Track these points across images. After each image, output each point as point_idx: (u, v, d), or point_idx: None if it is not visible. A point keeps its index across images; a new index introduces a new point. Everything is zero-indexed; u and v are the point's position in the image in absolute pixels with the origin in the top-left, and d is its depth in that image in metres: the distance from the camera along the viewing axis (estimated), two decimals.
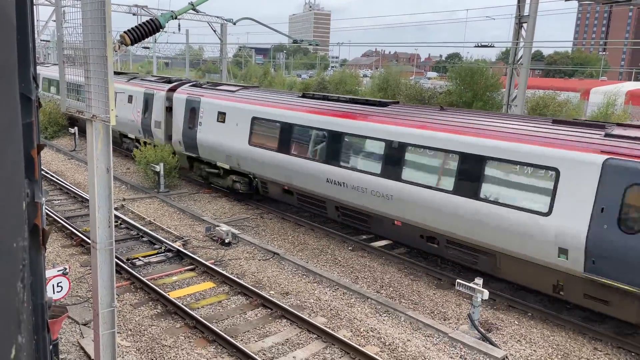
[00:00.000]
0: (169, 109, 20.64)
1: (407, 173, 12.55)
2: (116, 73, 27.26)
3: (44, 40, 54.76)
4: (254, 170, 16.93)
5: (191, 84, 21.18)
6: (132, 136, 23.60)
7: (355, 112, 14.22)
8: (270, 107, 16.35)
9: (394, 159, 12.79)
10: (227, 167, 17.98)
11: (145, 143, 21.38)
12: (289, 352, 9.23)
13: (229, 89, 19.06)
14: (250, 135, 16.68)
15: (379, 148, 13.20)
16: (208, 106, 18.44)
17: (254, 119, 16.66)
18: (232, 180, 18.08)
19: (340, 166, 13.90)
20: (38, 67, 27.92)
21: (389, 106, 14.42)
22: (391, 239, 14.42)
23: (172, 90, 20.75)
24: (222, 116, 17.84)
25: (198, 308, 10.70)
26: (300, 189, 15.40)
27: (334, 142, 14.21)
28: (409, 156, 12.58)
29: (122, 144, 25.48)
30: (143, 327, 9.86)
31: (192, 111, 19.10)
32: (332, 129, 14.30)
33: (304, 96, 17.04)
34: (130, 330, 9.74)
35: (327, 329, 9.76)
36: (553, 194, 10.07)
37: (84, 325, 9.79)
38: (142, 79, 24.33)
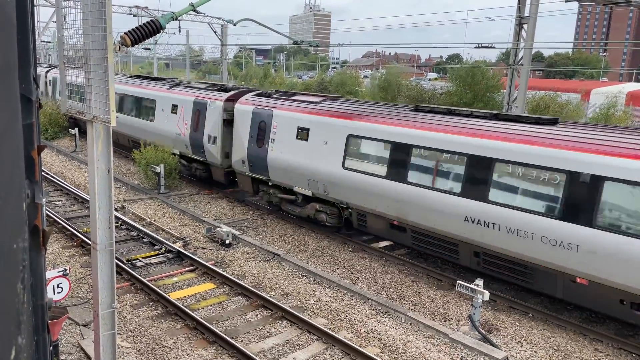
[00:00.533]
0: (227, 122, 17.94)
1: (606, 218, 9.48)
2: (153, 78, 25.80)
3: (44, 41, 54.83)
4: (348, 199, 14.07)
5: (255, 92, 18.30)
6: (176, 151, 20.51)
7: (510, 132, 11.20)
8: (375, 123, 13.48)
9: (582, 197, 9.78)
10: (308, 193, 15.21)
11: (188, 159, 19.95)
12: (289, 354, 9.22)
13: (309, 99, 16.19)
14: (345, 156, 13.83)
15: (556, 182, 10.20)
16: (284, 120, 15.69)
17: (350, 137, 13.80)
18: (314, 210, 15.22)
19: (489, 202, 11.02)
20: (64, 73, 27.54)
21: (557, 125, 11.43)
22: (569, 300, 10.79)
23: (232, 99, 18.11)
24: (303, 133, 15.00)
25: (198, 309, 10.70)
26: (419, 225, 12.52)
27: (478, 170, 11.30)
28: (610, 195, 9.44)
29: None
30: (143, 328, 9.86)
31: (261, 126, 16.34)
32: (475, 153, 11.36)
33: (417, 110, 13.82)
34: (131, 331, 9.74)
35: (328, 330, 9.75)
36: None
37: (84, 326, 9.78)
38: (189, 86, 21.28)
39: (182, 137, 19.90)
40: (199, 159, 19.48)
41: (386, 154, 13.06)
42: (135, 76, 27.58)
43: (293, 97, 16.64)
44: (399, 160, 12.76)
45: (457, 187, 11.60)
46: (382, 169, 13.08)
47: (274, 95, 17.24)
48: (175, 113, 20.33)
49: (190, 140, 19.51)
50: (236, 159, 17.46)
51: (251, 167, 16.88)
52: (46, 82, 33.50)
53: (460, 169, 11.65)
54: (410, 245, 13.48)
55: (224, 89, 19.42)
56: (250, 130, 16.73)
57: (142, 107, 22.90)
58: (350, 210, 14.37)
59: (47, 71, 34.10)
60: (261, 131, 16.37)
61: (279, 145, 15.74)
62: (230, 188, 19.77)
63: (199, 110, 19.04)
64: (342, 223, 14.93)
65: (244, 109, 17.21)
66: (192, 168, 20.32)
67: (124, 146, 25.28)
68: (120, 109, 23.69)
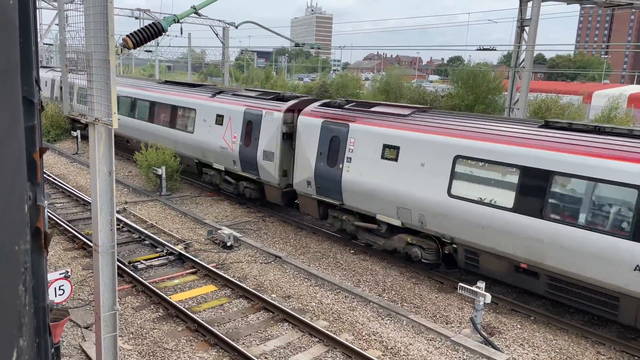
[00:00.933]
0: (286, 136, 15.91)
1: None
2: (189, 85, 23.26)
3: (46, 44, 54.99)
4: (454, 233, 11.76)
5: (322, 102, 15.93)
6: (220, 167, 18.43)
7: None
8: (495, 142, 11.19)
9: None
10: (396, 223, 12.95)
11: (235, 176, 17.75)
12: (290, 356, 9.21)
13: (395, 111, 13.80)
14: (452, 181, 11.61)
15: None
16: (364, 136, 13.49)
17: (459, 158, 11.53)
18: (404, 243, 13.04)
19: None
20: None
21: None
22: None
23: (292, 110, 16.03)
24: (392, 151, 12.82)
25: (200, 311, 10.69)
26: (561, 272, 10.23)
27: None
28: None
29: (201, 175, 20.29)
30: (145, 330, 9.86)
31: (333, 142, 14.19)
32: None
33: (548, 126, 11.43)
34: (132, 333, 9.74)
35: (329, 333, 9.74)
36: None
37: (86, 328, 9.78)
38: (236, 94, 18.86)
39: (229, 152, 17.63)
40: (250, 177, 17.21)
41: (514, 180, 10.78)
42: (167, 82, 24.96)
43: (372, 109, 14.25)
44: (535, 189, 10.45)
45: (626, 226, 9.31)
46: (508, 199, 10.78)
47: (348, 106, 14.84)
48: (221, 124, 18.04)
49: (239, 155, 17.26)
50: (299, 179, 15.20)
51: (319, 189, 14.60)
52: (61, 88, 31.45)
53: (630, 204, 9.29)
54: (542, 294, 11.03)
55: (281, 98, 17.15)
56: (319, 147, 14.50)
57: (177, 117, 20.60)
58: (455, 246, 11.95)
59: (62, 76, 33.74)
60: (333, 148, 14.16)
61: (358, 165, 13.52)
62: (288, 210, 17.63)
63: (252, 122, 16.80)
64: (440, 259, 12.63)
65: (310, 121, 14.89)
66: (240, 187, 18.07)
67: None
68: (150, 119, 22.27)
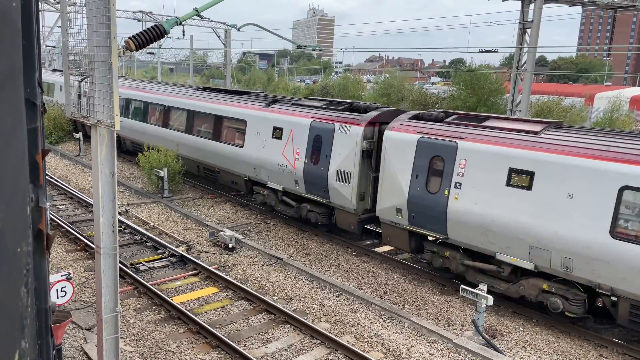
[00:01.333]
0: (366, 154, 13.78)
1: None
2: (234, 92, 20.69)
3: (49, 46, 55.13)
4: (617, 283, 9.52)
5: (412, 114, 13.49)
6: (278, 187, 16.22)
7: None
8: None
9: None
10: (527, 266, 10.74)
11: (297, 197, 15.71)
12: (292, 358, 9.21)
13: (519, 126, 11.52)
14: (617, 219, 9.46)
15: None
16: (480, 157, 11.33)
17: (628, 190, 9.37)
18: (538, 290, 10.81)
19: None
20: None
21: None
22: None
23: (373, 123, 13.84)
24: (521, 177, 10.72)
25: (201, 313, 10.70)
26: None
27: None
28: None
29: (251, 194, 17.97)
30: (146, 332, 9.86)
31: (435, 163, 12.05)
32: None
33: None
34: (134, 335, 9.74)
35: (331, 335, 9.73)
36: None
37: (88, 330, 9.79)
38: (296, 104, 16.48)
39: (291, 170, 15.43)
40: (318, 199, 14.98)
41: None
42: (206, 89, 22.27)
43: (485, 123, 12.00)
44: None
45: None
46: None
47: (449, 120, 12.52)
48: (279, 138, 15.84)
49: (304, 175, 15.04)
50: (386, 205, 13.02)
51: (413, 218, 12.49)
52: (80, 94, 30.21)
53: None
54: None
55: (356, 109, 14.86)
56: (415, 168, 12.33)
57: (223, 129, 18.35)
58: (614, 298, 9.74)
59: (81, 80, 32.26)
60: (434, 170, 12.04)
61: (471, 191, 11.39)
62: (362, 238, 15.67)
63: (321, 137, 14.61)
64: (588, 312, 10.49)
65: (402, 137, 12.68)
66: (303, 210, 15.81)
67: (190, 173, 21.11)
68: (188, 130, 20.05)
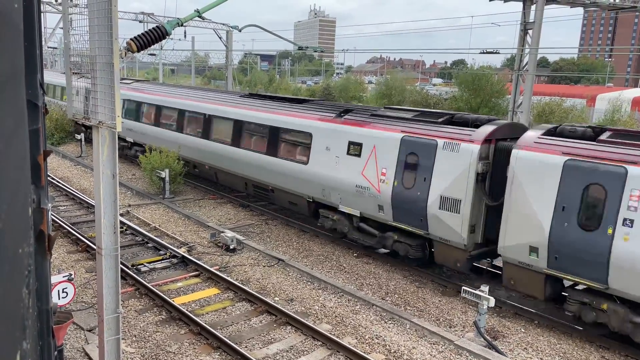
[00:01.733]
0: (480, 177, 11.51)
1: None
2: (292, 100, 18.14)
3: (51, 47, 55.25)
4: None
5: (545, 130, 11.17)
6: (354, 211, 13.86)
7: None
8: None
9: None
10: None
11: (377, 223, 13.53)
12: (293, 359, 9.20)
13: None
14: None
15: None
16: None
17: None
18: None
19: None
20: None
21: None
22: None
23: (489, 140, 11.62)
24: None
25: (203, 314, 10.70)
26: None
27: None
28: None
29: (314, 217, 15.80)
30: (148, 333, 9.86)
31: (591, 192, 9.81)
32: None
33: None
34: (135, 336, 9.74)
35: (332, 336, 9.72)
36: None
37: (89, 331, 9.80)
38: (376, 114, 14.04)
39: (374, 194, 13.13)
40: (410, 229, 12.68)
41: None
42: (253, 95, 19.99)
43: None
44: None
45: None
46: None
47: (606, 137, 10.13)
48: (357, 155, 13.63)
49: (392, 199, 12.74)
50: (514, 241, 10.82)
51: (555, 259, 10.24)
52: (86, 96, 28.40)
53: None
54: None
55: (461, 121, 12.54)
56: (559, 198, 10.12)
57: (280, 142, 16.10)
58: None
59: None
60: (590, 202, 9.83)
61: None
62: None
63: (417, 155, 12.38)
64: None
65: (540, 159, 10.45)
66: (388, 240, 13.50)
67: (235, 190, 19.41)
68: (235, 142, 17.76)
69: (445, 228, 11.89)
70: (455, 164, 11.64)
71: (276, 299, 11.61)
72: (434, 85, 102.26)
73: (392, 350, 9.59)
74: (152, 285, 11.64)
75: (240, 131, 17.73)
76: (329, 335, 9.75)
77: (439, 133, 12.17)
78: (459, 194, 11.56)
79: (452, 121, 12.73)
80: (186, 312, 10.40)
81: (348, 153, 13.89)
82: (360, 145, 13.63)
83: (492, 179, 11.72)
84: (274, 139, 16.27)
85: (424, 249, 13.02)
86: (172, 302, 10.85)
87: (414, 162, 12.45)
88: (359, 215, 13.84)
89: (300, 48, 29.56)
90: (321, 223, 15.30)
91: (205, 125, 19.41)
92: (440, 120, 12.79)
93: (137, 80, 27.95)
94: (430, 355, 9.50)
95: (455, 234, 11.72)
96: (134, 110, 24.01)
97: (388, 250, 14.10)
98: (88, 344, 9.35)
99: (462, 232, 11.59)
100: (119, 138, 23.51)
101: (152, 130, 22.58)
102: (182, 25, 7.21)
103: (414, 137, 12.54)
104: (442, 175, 11.87)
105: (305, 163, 15.05)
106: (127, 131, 23.93)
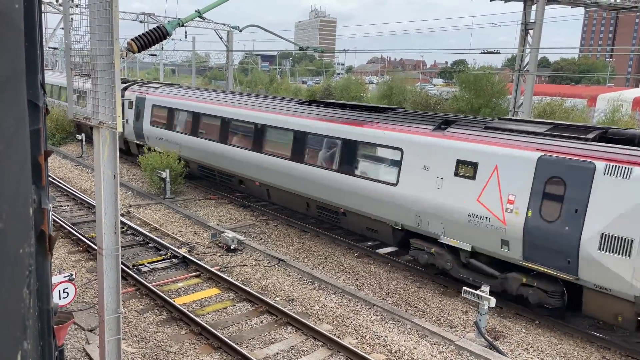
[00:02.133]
0: None
1: None
2: (366, 108, 15.56)
3: (51, 48, 55.30)
4: None
5: None
6: (463, 245, 11.62)
7: None
8: None
9: None
10: None
11: (497, 262, 11.28)
12: (294, 359, 9.20)
13: None
14: None
15: None
16: None
17: None
18: None
19: None
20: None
21: None
22: None
23: None
24: None
25: (203, 314, 10.70)
26: None
27: None
28: None
29: (402, 248, 13.84)
30: (148, 333, 9.87)
31: None
32: None
33: None
34: (136, 336, 9.75)
35: (333, 336, 9.72)
36: None
37: (90, 331, 9.80)
38: (492, 127, 11.81)
39: (497, 225, 10.81)
40: (547, 271, 10.30)
41: None
42: (313, 102, 17.85)
43: None
44: None
45: None
46: None
47: None
48: (471, 177, 11.31)
49: (526, 234, 10.40)
50: None
51: None
52: (122, 103, 21.11)
53: None
54: None
55: (618, 138, 10.57)
56: None
57: (357, 158, 13.83)
58: None
59: (125, 87, 23.91)
60: None
61: None
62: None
63: (562, 180, 10.05)
64: None
65: None
66: (512, 284, 11.14)
67: (296, 212, 17.39)
68: (297, 157, 15.44)
69: (606, 273, 9.47)
70: (625, 194, 9.29)
71: (277, 299, 11.61)
72: (435, 85, 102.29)
73: (392, 351, 9.59)
74: (152, 286, 11.65)
75: (302, 144, 15.41)
76: (330, 335, 9.75)
77: (596, 153, 9.80)
78: (630, 233, 9.18)
79: (605, 137, 10.61)
80: (187, 312, 10.40)
81: (456, 174, 11.55)
82: (474, 165, 11.28)
83: None
84: (349, 155, 14.00)
85: (562, 295, 10.57)
86: (173, 302, 10.85)
87: (559, 189, 10.07)
88: (469, 250, 11.56)
89: (301, 48, 29.57)
90: (413, 256, 12.91)
91: (257, 136, 17.08)
92: (590, 136, 10.45)
93: (167, 85, 25.70)
94: (431, 355, 9.49)
95: (622, 282, 9.33)
96: (164, 118, 21.63)
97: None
98: (89, 344, 9.35)
99: (633, 281, 9.19)
100: (148, 149, 20.75)
101: (187, 141, 20.14)
102: (182, 25, 7.22)
103: (557, 157, 10.15)
104: (603, 207, 9.49)
105: (394, 184, 12.78)
106: (157, 140, 21.85)
